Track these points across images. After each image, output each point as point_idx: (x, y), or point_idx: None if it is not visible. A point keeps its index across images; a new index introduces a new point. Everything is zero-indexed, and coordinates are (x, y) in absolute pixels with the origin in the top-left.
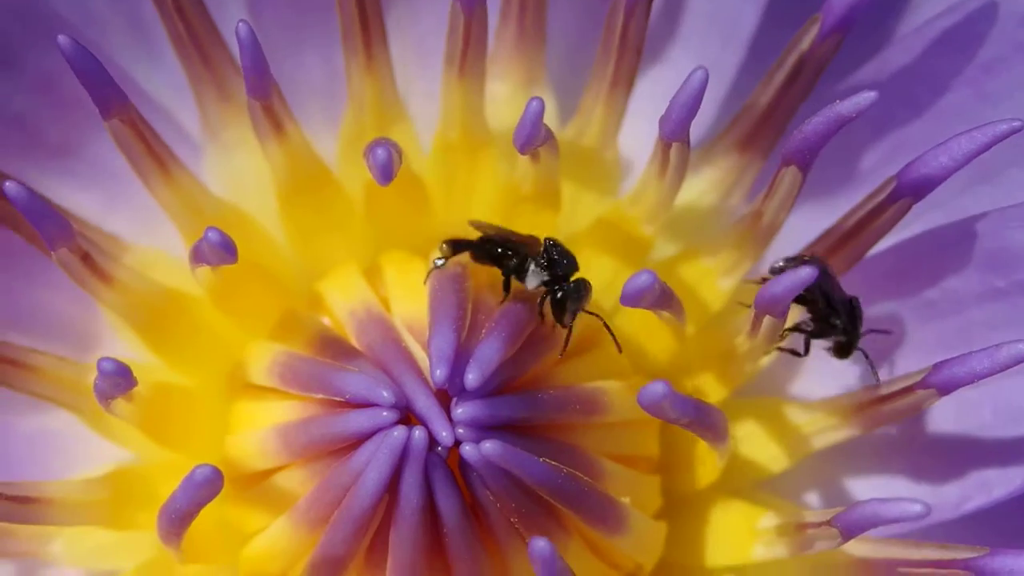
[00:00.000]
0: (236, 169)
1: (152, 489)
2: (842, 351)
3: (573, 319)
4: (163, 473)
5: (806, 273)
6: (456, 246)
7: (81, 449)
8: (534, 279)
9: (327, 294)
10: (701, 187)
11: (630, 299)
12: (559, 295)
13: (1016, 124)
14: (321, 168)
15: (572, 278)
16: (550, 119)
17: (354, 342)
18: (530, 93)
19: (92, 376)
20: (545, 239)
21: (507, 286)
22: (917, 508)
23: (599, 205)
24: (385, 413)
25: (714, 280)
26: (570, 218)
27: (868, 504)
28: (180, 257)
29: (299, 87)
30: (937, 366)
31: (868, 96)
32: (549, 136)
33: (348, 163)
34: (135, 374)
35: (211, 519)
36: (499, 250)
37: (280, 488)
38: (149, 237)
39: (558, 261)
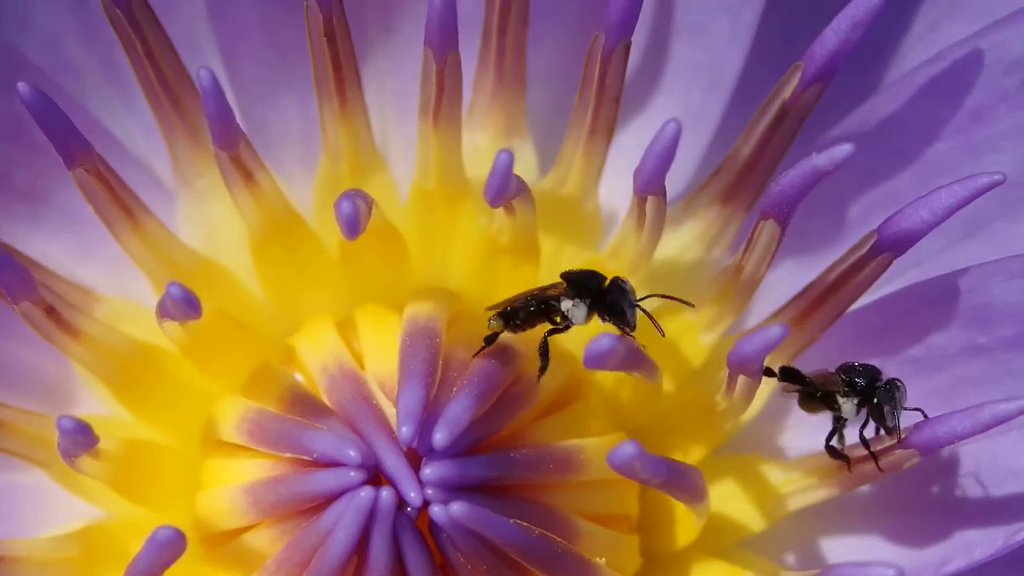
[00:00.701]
0: (210, 218)
1: (122, 546)
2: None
3: (634, 315)
4: (133, 530)
5: (776, 331)
6: (505, 314)
7: (53, 504)
8: (580, 310)
9: (300, 348)
10: (683, 240)
11: (591, 362)
12: (609, 301)
13: (997, 177)
14: (295, 218)
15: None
16: (530, 168)
17: (325, 399)
18: (510, 142)
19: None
20: (561, 277)
21: (544, 351)
22: (890, 573)
23: (579, 257)
24: (352, 473)
25: (695, 335)
26: (550, 271)
27: (841, 568)
28: (152, 308)
29: (274, 133)
30: (918, 426)
31: (844, 149)
32: (522, 188)
33: (324, 213)
34: (106, 429)
35: None
36: (545, 303)
37: (250, 547)
38: (122, 286)
39: (585, 280)
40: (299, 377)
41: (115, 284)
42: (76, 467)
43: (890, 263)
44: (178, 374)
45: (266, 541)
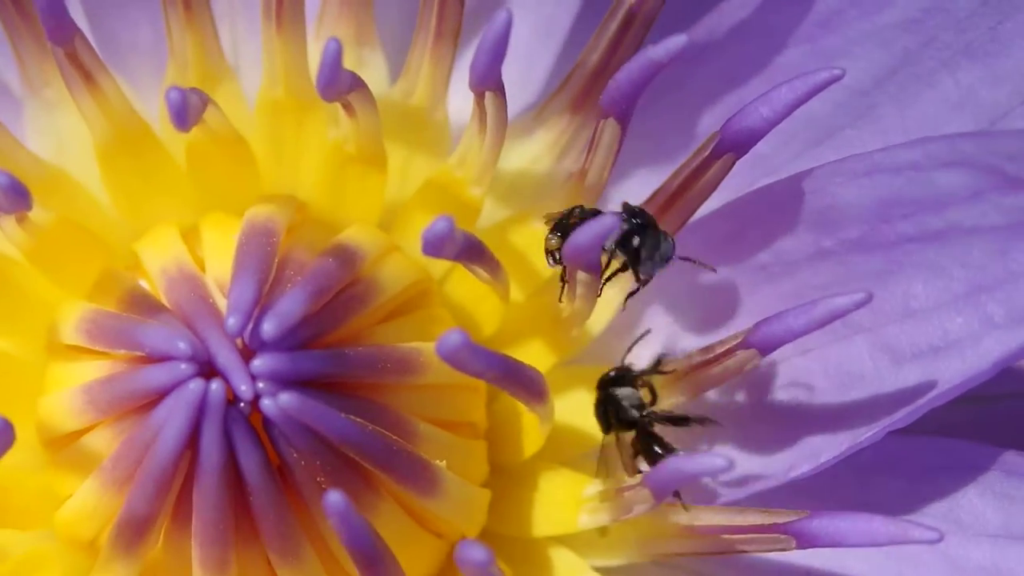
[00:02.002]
0: (59, 128)
1: None
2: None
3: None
4: None
5: (609, 220)
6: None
7: None
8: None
9: (142, 253)
10: (535, 150)
11: (430, 247)
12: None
13: (837, 72)
14: (141, 126)
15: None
16: (381, 79)
17: (163, 299)
18: (359, 52)
19: None
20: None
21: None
22: (719, 461)
23: (429, 167)
24: (183, 366)
25: (543, 245)
26: (401, 182)
27: (672, 460)
28: None
29: (124, 45)
30: (757, 325)
31: (679, 40)
32: (358, 84)
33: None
34: None
35: (28, 485)
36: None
37: (89, 448)
38: None
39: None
40: (143, 284)
41: None
42: None
43: (733, 164)
44: (24, 282)
45: (104, 441)
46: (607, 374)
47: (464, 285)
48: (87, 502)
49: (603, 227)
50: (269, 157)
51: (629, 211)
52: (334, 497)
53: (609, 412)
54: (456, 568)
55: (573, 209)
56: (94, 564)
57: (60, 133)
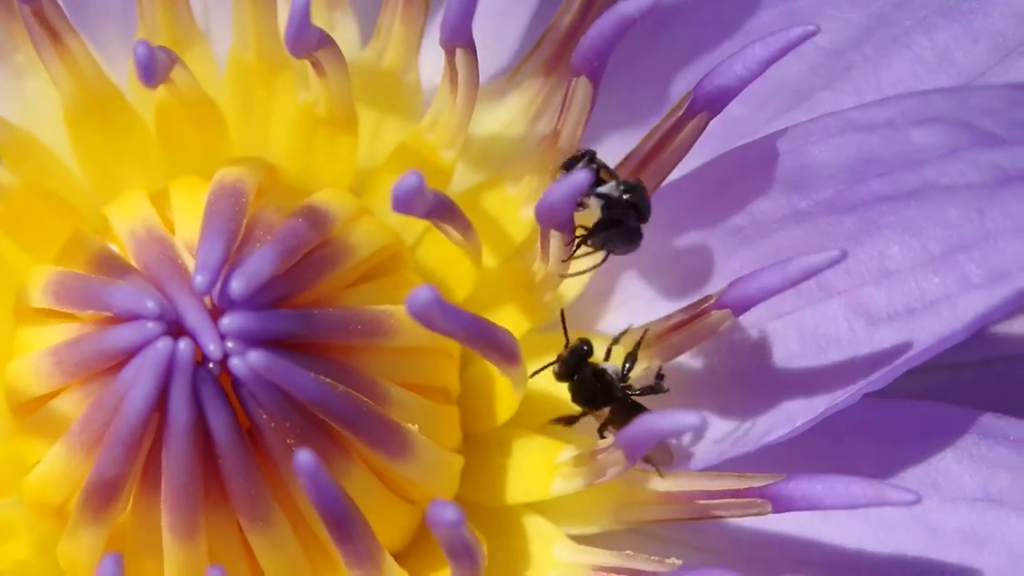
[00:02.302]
0: (28, 93)
1: None
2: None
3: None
4: None
5: (581, 176)
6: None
7: None
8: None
9: (111, 217)
10: (508, 114)
11: (400, 203)
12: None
13: (811, 28)
14: (111, 90)
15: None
16: (352, 42)
17: (132, 261)
18: (331, 15)
19: None
20: None
21: None
22: (693, 419)
23: (401, 131)
24: (151, 325)
25: (517, 209)
26: (372, 146)
27: (644, 419)
28: None
29: (93, 9)
30: (730, 285)
31: None
32: (327, 42)
33: (140, 86)
34: None
35: None
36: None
37: (57, 412)
38: None
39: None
40: (112, 247)
41: None
42: None
43: (707, 123)
44: None
45: (72, 404)
46: (573, 354)
47: (436, 250)
48: (55, 467)
49: (574, 186)
50: (239, 120)
51: (627, 186)
52: (304, 456)
53: (597, 392)
54: (429, 536)
55: None
56: (62, 530)
57: (29, 98)
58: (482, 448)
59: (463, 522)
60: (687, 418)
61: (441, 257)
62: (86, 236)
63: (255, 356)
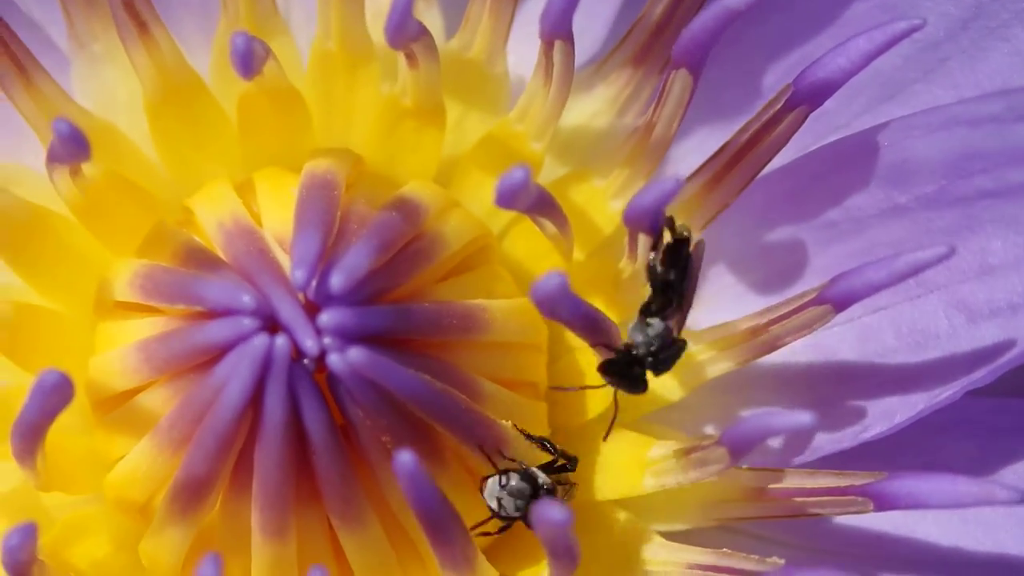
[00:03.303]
0: (106, 83)
1: (11, 415)
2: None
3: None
4: (24, 398)
5: (670, 183)
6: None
7: None
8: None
9: (196, 208)
10: (595, 106)
11: (505, 197)
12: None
13: (916, 22)
14: (193, 79)
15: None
16: (437, 34)
17: (220, 254)
18: (415, 6)
19: None
20: None
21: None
22: (805, 418)
23: (486, 123)
24: (246, 321)
25: (605, 202)
26: (456, 138)
27: (754, 417)
28: (46, 174)
29: (176, 2)
30: (833, 280)
31: None
32: (423, 32)
33: (222, 76)
34: None
35: (76, 448)
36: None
37: (143, 409)
38: (12, 154)
39: None
40: (197, 240)
41: (6, 150)
42: None
43: (805, 117)
44: (70, 239)
45: (159, 401)
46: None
47: (522, 242)
48: (140, 464)
49: (664, 191)
50: (321, 111)
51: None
52: (405, 458)
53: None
54: (515, 533)
55: None
56: (143, 528)
57: (107, 88)
58: (569, 443)
59: (572, 522)
60: (799, 417)
61: (528, 249)
62: (169, 228)
63: (356, 353)
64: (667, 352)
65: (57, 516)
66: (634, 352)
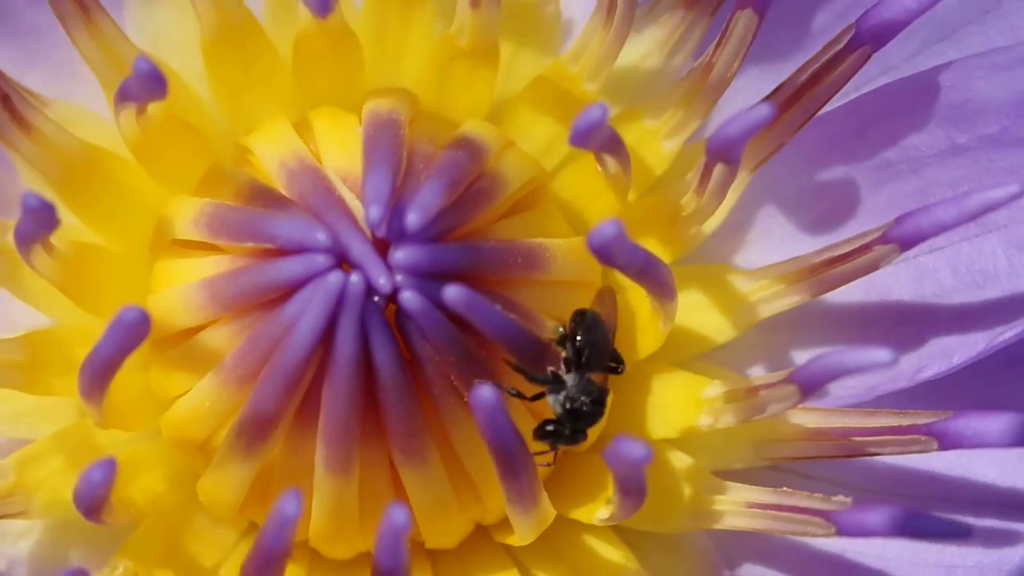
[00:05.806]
0: (159, 24)
1: (69, 353)
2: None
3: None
4: (82, 337)
5: (764, 110)
6: None
7: None
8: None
9: (255, 147)
10: (645, 48)
11: (579, 136)
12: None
13: None
14: (248, 19)
15: None
16: None
17: (285, 192)
18: None
19: (8, 235)
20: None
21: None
22: (884, 356)
23: (538, 63)
24: (320, 258)
25: (657, 142)
26: (508, 77)
27: (829, 355)
28: (101, 115)
29: None
30: (900, 219)
31: None
32: None
33: (275, 17)
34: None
35: (132, 386)
36: None
37: (205, 346)
38: (69, 95)
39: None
40: (259, 179)
41: (61, 92)
42: (30, 261)
43: (868, 57)
44: (127, 178)
45: (223, 338)
46: None
47: (575, 182)
48: (203, 401)
49: (754, 120)
50: (374, 49)
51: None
52: (484, 391)
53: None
54: (566, 470)
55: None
56: (201, 466)
57: (160, 28)
58: (622, 383)
59: (651, 460)
60: (877, 354)
61: (580, 189)
62: (227, 168)
63: (454, 290)
64: (593, 406)
65: (113, 453)
66: (569, 408)
